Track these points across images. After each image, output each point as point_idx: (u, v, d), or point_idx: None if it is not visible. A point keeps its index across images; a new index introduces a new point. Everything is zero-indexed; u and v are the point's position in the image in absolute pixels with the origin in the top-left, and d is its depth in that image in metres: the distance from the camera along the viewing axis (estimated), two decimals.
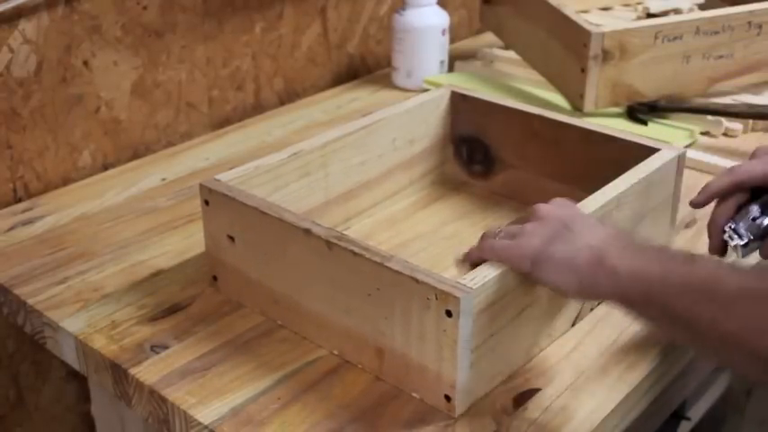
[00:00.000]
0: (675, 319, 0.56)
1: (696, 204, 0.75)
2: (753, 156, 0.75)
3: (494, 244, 0.66)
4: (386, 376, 0.69)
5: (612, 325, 0.76)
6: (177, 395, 0.68)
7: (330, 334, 0.71)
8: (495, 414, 0.66)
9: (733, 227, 0.72)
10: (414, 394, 0.67)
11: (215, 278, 0.80)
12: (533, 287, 0.67)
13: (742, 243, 0.71)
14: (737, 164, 0.74)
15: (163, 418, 0.69)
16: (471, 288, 0.62)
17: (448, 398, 0.65)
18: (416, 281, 0.63)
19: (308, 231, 0.69)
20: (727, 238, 0.72)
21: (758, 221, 0.71)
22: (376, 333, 0.68)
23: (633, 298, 0.59)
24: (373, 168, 0.91)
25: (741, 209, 0.72)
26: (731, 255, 0.72)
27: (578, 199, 0.74)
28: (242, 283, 0.77)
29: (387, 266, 0.64)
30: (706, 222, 0.91)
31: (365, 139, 0.89)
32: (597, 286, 0.60)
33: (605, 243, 0.61)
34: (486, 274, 0.63)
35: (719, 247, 0.73)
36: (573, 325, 0.75)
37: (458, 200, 0.96)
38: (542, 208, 0.68)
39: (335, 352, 0.72)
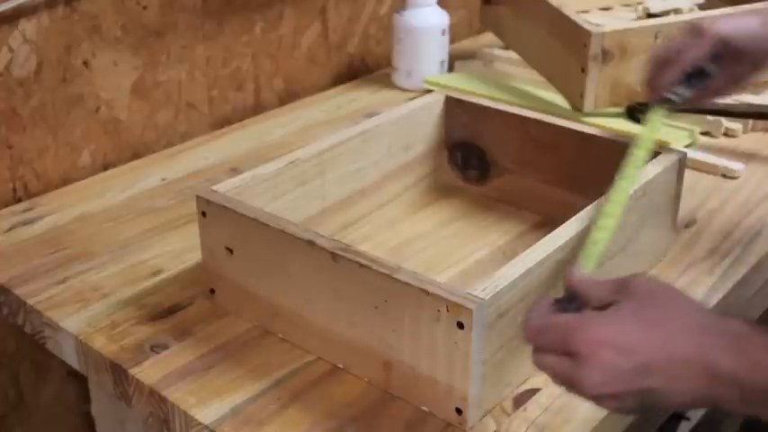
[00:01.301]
0: None
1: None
2: (693, 33, 0.76)
3: (543, 360, 0.54)
4: (394, 390, 0.68)
5: None
6: (177, 395, 0.68)
7: (334, 347, 0.70)
8: (495, 414, 0.66)
9: (673, 90, 0.77)
10: (423, 408, 0.66)
11: (212, 291, 0.78)
12: (541, 295, 0.67)
13: (678, 100, 0.77)
14: (673, 49, 0.77)
15: (163, 418, 0.69)
16: (483, 299, 0.61)
17: (459, 411, 0.64)
18: (426, 292, 0.62)
19: (311, 243, 0.68)
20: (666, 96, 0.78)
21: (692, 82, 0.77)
22: (383, 346, 0.67)
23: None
24: (369, 175, 0.90)
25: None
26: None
27: (579, 204, 0.74)
28: (241, 296, 0.76)
29: (395, 278, 0.63)
30: (706, 223, 0.91)
31: (361, 146, 0.88)
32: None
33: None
34: (498, 283, 0.63)
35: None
36: None
37: (454, 205, 0.95)
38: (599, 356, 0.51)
39: (340, 365, 0.70)
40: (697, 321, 0.52)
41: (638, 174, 0.73)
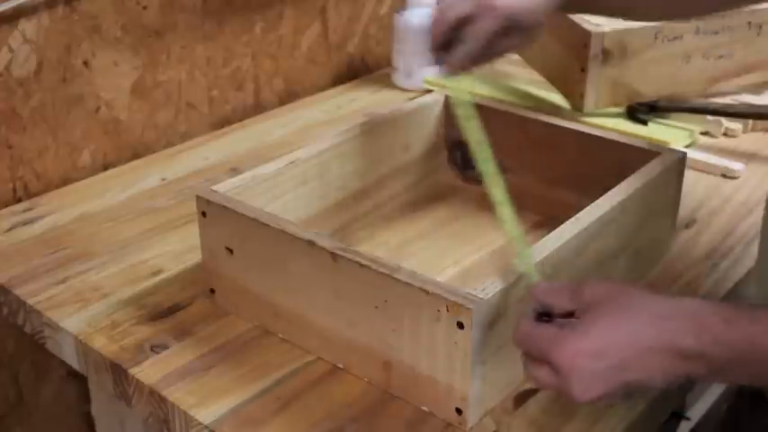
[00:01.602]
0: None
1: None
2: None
3: (534, 373, 0.58)
4: (394, 390, 0.68)
5: None
6: (177, 395, 0.68)
7: (334, 347, 0.70)
8: (495, 414, 0.66)
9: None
10: (423, 408, 0.66)
11: (212, 291, 0.78)
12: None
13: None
14: (461, 22, 0.76)
15: (163, 418, 0.69)
16: (483, 299, 0.61)
17: (459, 411, 0.64)
18: (426, 292, 0.62)
19: (311, 243, 0.68)
20: None
21: None
22: (383, 346, 0.67)
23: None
24: (369, 175, 0.90)
25: None
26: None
27: (579, 204, 0.74)
28: (241, 296, 0.76)
29: (395, 278, 0.63)
30: (706, 223, 0.91)
31: (361, 145, 0.88)
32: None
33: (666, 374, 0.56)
34: (498, 283, 0.63)
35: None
36: None
37: (453, 205, 0.95)
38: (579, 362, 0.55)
39: (340, 365, 0.71)
40: (655, 312, 0.56)
41: (491, 160, 0.73)
